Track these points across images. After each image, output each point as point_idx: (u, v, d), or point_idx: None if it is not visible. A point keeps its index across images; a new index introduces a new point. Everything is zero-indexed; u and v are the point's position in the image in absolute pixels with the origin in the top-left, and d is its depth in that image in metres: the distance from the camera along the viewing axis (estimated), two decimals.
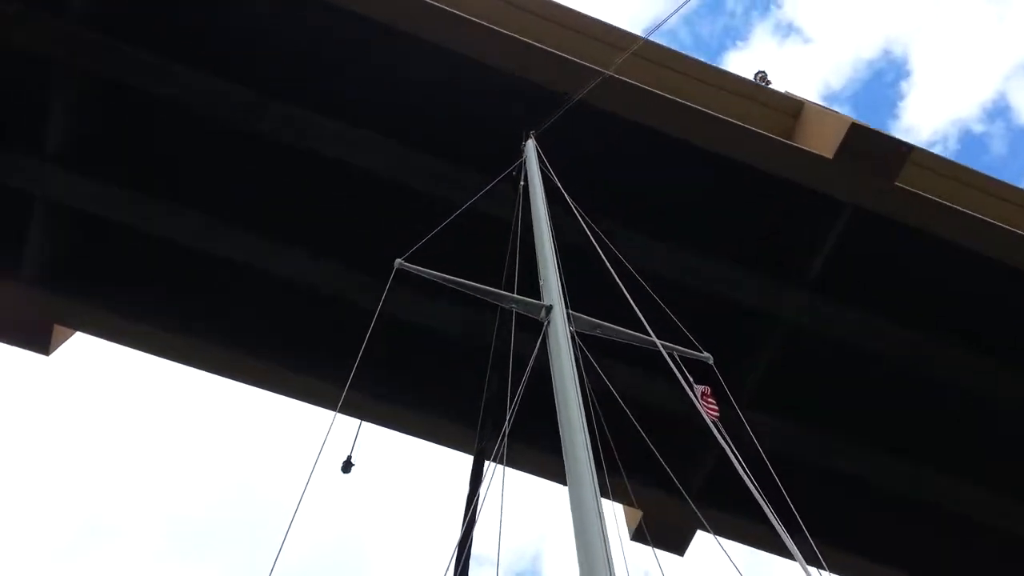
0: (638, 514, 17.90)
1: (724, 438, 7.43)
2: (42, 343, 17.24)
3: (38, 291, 16.69)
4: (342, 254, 16.60)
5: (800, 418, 17.54)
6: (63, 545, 40.51)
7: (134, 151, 16.33)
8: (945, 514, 18.38)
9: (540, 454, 15.51)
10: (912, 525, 18.60)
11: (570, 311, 8.37)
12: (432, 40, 14.89)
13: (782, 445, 17.32)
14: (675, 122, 15.34)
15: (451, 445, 17.64)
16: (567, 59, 15.04)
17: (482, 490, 7.64)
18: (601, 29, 16.30)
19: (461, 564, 7.13)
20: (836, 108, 19.15)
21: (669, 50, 16.73)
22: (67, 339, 17.66)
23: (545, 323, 8.22)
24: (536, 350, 7.89)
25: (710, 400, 8.43)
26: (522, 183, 12.04)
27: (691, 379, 8.31)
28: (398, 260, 9.55)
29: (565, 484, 6.28)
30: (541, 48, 15.14)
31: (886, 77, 49.74)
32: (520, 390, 7.78)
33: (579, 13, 16.48)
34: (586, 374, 7.72)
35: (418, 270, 9.40)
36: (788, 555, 6.53)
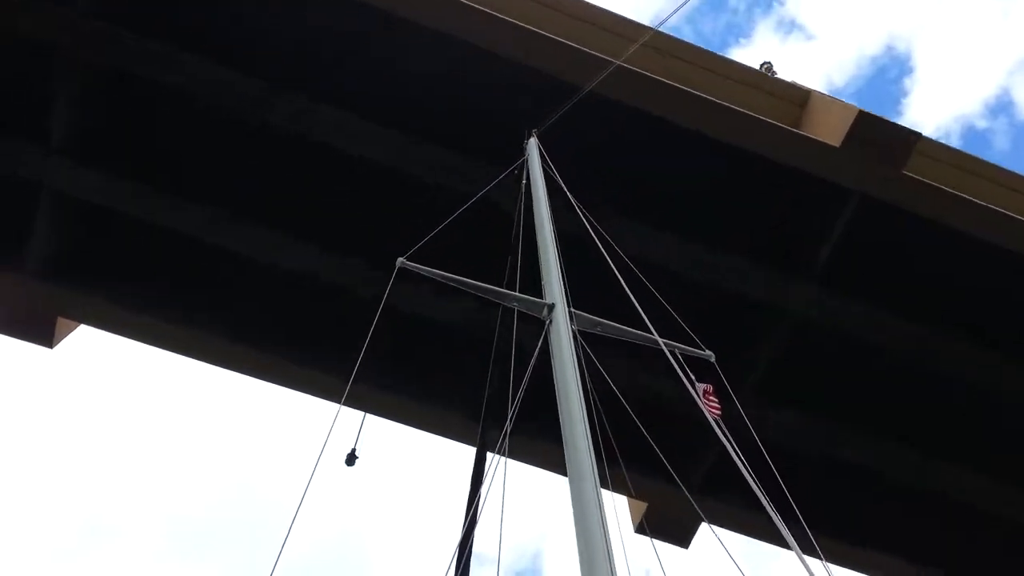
0: (642, 507, 17.94)
1: (726, 436, 7.43)
2: (46, 336, 17.23)
3: (42, 284, 16.69)
4: (345, 246, 16.57)
5: (806, 410, 17.51)
6: (66, 544, 40.55)
7: (139, 143, 16.29)
8: (951, 505, 18.35)
9: (543, 444, 15.47)
10: (917, 516, 18.58)
11: (572, 309, 8.38)
12: (437, 28, 14.81)
13: (787, 437, 17.32)
14: (682, 111, 15.26)
15: (455, 437, 17.63)
16: (575, 48, 14.95)
17: (485, 483, 7.62)
18: (609, 19, 16.18)
19: (463, 557, 7.10)
20: None
21: (675, 39, 16.61)
22: (71, 332, 17.65)
23: (547, 322, 8.23)
24: (538, 349, 7.90)
25: (712, 398, 8.44)
26: (524, 182, 12.01)
27: (693, 377, 8.33)
28: (400, 259, 9.52)
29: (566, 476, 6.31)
30: (548, 37, 15.04)
31: (889, 73, 49.65)
32: (523, 386, 7.78)
33: (585, 3, 16.36)
34: (588, 371, 7.73)
35: (420, 269, 9.39)
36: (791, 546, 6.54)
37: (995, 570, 18.92)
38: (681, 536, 18.20)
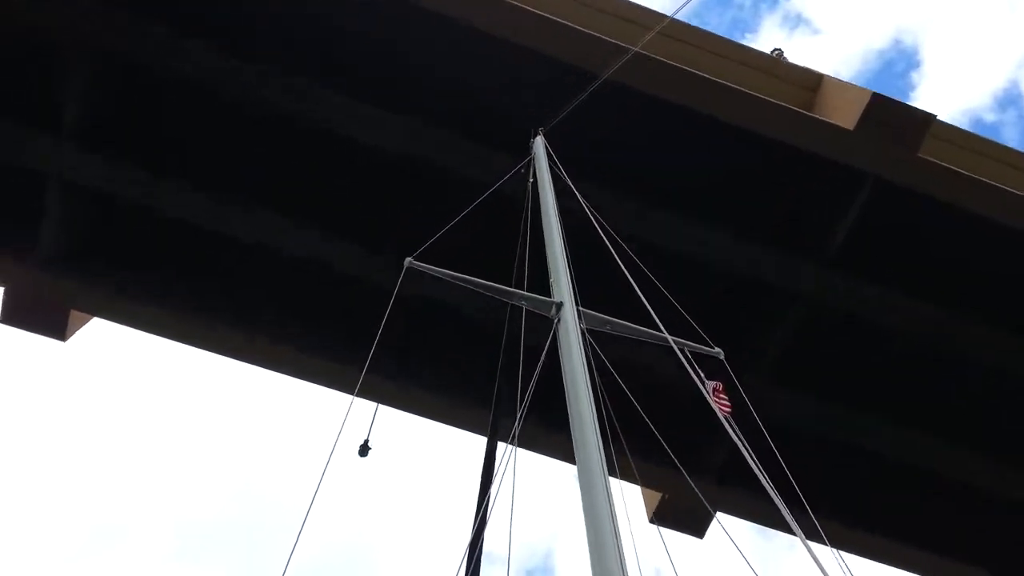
0: (657, 498, 17.89)
1: (736, 434, 7.49)
2: (58, 329, 17.25)
3: (53, 275, 16.67)
4: (356, 234, 16.54)
5: (820, 395, 17.41)
6: (75, 542, 40.62)
7: (148, 131, 16.31)
8: (967, 492, 18.19)
9: (555, 434, 15.41)
10: (932, 504, 18.43)
11: (580, 308, 8.40)
12: (449, 15, 14.73)
13: (801, 423, 17.23)
14: (696, 96, 15.17)
15: (467, 427, 17.56)
16: (589, 35, 14.87)
17: (496, 474, 7.60)
18: (621, 5, 16.08)
19: (475, 549, 7.04)
20: None
21: (686, 24, 16.47)
22: (83, 325, 17.66)
23: (555, 320, 8.24)
24: (546, 348, 7.94)
25: (722, 395, 8.49)
26: (531, 180, 11.99)
27: (703, 375, 8.36)
28: (408, 259, 9.60)
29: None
30: (561, 23, 14.97)
31: (896, 67, 49.39)
32: (533, 381, 7.79)
33: None
34: (597, 366, 7.75)
35: (428, 269, 9.46)
36: (810, 535, 6.61)
37: (1013, 557, 18.76)
38: (696, 526, 18.11)
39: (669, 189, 16.01)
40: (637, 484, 16.15)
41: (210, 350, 17.40)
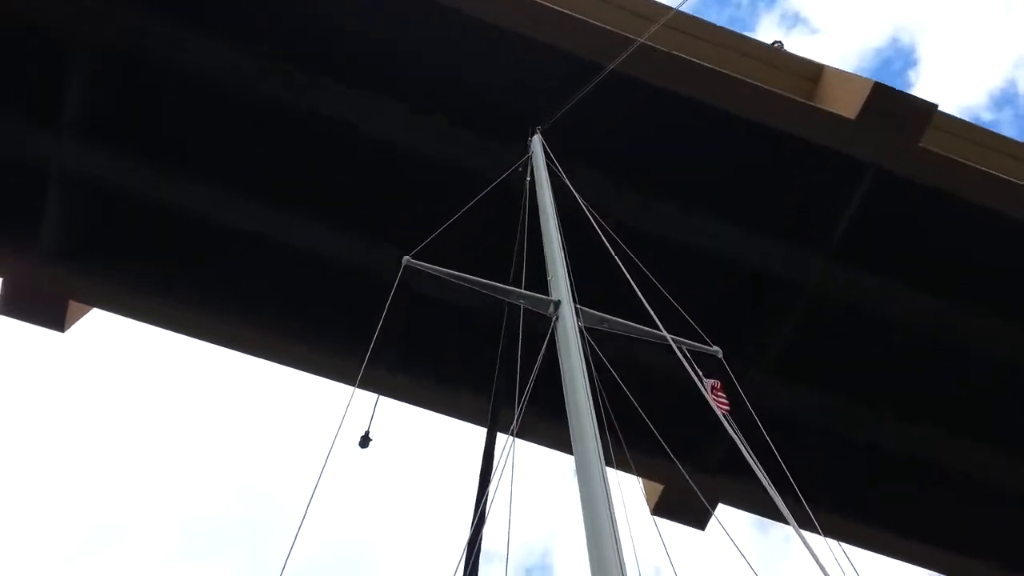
0: (659, 490, 17.87)
1: (735, 431, 7.57)
2: (57, 320, 17.20)
3: (53, 267, 16.63)
4: (357, 226, 16.51)
5: (823, 387, 17.39)
6: (74, 540, 40.54)
7: (148, 123, 16.25)
8: (969, 484, 18.16)
9: (554, 425, 15.36)
10: (934, 496, 18.40)
11: (578, 306, 8.45)
12: (453, 5, 14.66)
13: (802, 414, 17.21)
14: (697, 86, 15.15)
15: (468, 418, 17.53)
16: (596, 25, 14.82)
17: (496, 470, 7.61)
18: None
19: (474, 543, 7.03)
20: None
21: (687, 15, 16.37)
22: (82, 316, 17.62)
23: (553, 319, 8.29)
24: (544, 346, 8.00)
25: (720, 394, 8.52)
26: (528, 179, 12.04)
27: (701, 373, 8.41)
28: (405, 258, 9.69)
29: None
30: (567, 14, 14.93)
31: (894, 66, 49.34)
32: (532, 376, 7.84)
33: None
34: (596, 362, 7.83)
35: (426, 267, 9.54)
36: (805, 524, 6.73)
37: (1017, 550, 18.73)
38: (698, 519, 18.08)
39: (675, 181, 15.99)
40: (632, 474, 16.21)
41: (210, 341, 17.37)
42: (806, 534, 6.36)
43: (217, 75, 15.50)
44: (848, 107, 15.09)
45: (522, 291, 8.97)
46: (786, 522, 6.45)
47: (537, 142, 12.92)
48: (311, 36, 15.44)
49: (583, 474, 6.00)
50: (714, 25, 16.56)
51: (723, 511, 18.05)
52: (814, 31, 47.36)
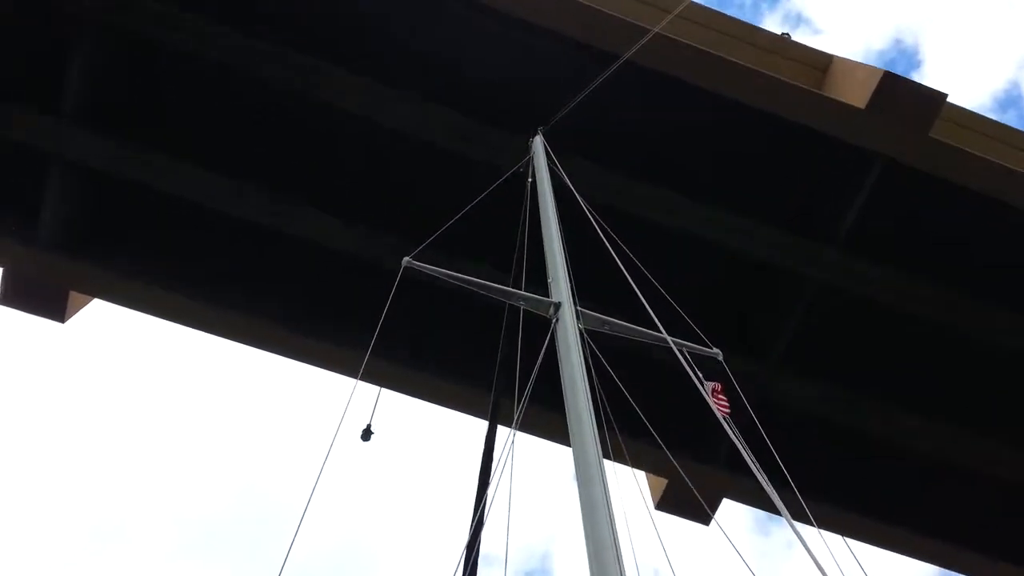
0: (663, 484, 17.79)
1: (735, 433, 7.58)
2: (57, 310, 17.11)
3: (53, 256, 16.50)
4: (360, 217, 16.39)
5: (830, 380, 17.28)
6: (74, 539, 40.50)
7: (151, 111, 16.17)
8: (977, 478, 18.03)
9: (557, 418, 15.26)
10: (943, 490, 18.28)
11: (579, 308, 8.42)
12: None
13: (808, 407, 17.11)
14: (706, 75, 15.03)
15: (469, 411, 17.43)
16: (610, 15, 14.77)
17: (496, 467, 7.55)
18: None
19: (474, 541, 6.94)
20: None
21: (694, 4, 16.23)
22: (83, 306, 17.52)
23: (554, 320, 8.27)
24: (544, 348, 7.99)
25: (721, 396, 8.53)
26: (529, 180, 11.96)
27: (701, 376, 8.41)
28: (405, 259, 9.62)
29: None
30: (583, 3, 14.81)
31: (897, 67, 49.11)
32: (533, 376, 7.80)
33: None
34: (596, 362, 7.81)
35: (426, 268, 9.49)
36: (805, 520, 6.83)
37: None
38: (702, 514, 17.98)
39: (682, 171, 15.90)
40: (635, 467, 16.11)
41: (212, 332, 17.26)
42: (810, 530, 6.31)
43: (222, 63, 15.38)
44: (857, 96, 14.96)
45: (522, 293, 8.93)
46: (790, 519, 6.43)
47: (538, 143, 12.89)
48: (317, 24, 15.34)
49: (583, 478, 5.97)
50: (723, 15, 16.44)
51: (730, 506, 18.01)
52: (816, 31, 47.30)
